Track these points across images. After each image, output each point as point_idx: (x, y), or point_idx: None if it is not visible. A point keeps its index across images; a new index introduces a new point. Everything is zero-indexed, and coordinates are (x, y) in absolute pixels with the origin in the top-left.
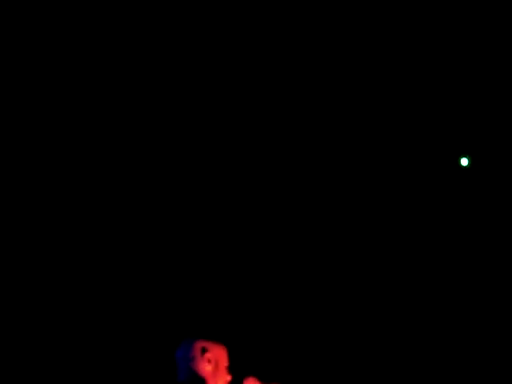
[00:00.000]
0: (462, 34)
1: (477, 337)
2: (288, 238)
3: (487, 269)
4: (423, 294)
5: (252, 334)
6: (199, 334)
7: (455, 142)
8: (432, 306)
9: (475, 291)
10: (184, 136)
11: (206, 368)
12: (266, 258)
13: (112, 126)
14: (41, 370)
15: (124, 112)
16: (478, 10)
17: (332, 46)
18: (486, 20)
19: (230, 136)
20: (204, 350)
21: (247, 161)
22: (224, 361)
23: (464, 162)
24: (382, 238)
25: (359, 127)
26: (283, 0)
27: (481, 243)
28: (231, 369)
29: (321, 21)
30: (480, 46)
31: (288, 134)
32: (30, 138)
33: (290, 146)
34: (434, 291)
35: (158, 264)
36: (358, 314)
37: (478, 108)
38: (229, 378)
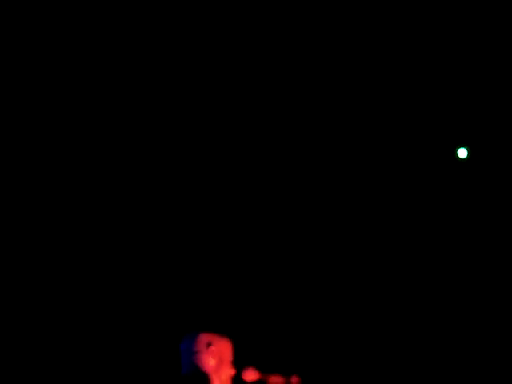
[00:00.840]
0: (456, 25)
1: (476, 334)
2: (290, 232)
3: (486, 263)
4: (421, 289)
5: (256, 326)
6: (204, 326)
7: (452, 134)
8: (431, 302)
9: (474, 285)
10: (184, 136)
11: (209, 362)
12: (268, 252)
13: (112, 126)
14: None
15: (124, 112)
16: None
17: (323, 38)
18: (477, 11)
19: (230, 136)
20: (208, 344)
21: (247, 161)
22: (228, 355)
23: (462, 153)
24: (379, 233)
25: (355, 121)
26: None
27: (479, 238)
28: (236, 361)
29: (321, 21)
30: (474, 38)
31: (286, 133)
32: (30, 138)
33: (289, 145)
34: (433, 285)
35: (163, 258)
36: (357, 307)
37: (476, 99)
38: (233, 372)
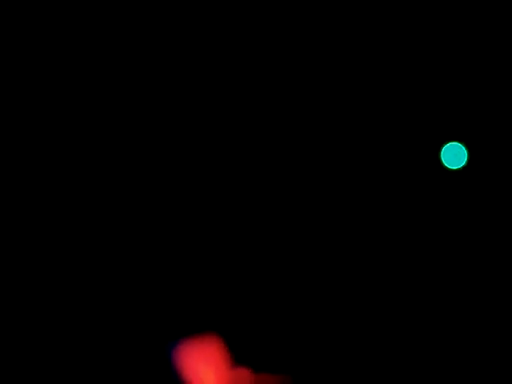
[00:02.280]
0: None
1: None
2: (276, 234)
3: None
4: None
5: (247, 324)
6: (190, 328)
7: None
8: (430, 303)
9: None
10: (184, 136)
11: (193, 375)
12: (257, 253)
13: (112, 126)
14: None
15: (124, 112)
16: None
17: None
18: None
19: (229, 136)
20: (192, 357)
21: (247, 161)
22: (219, 358)
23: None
24: (379, 234)
25: (355, 121)
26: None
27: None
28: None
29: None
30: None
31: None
32: (30, 138)
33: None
34: (432, 286)
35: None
36: (351, 309)
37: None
38: (227, 375)
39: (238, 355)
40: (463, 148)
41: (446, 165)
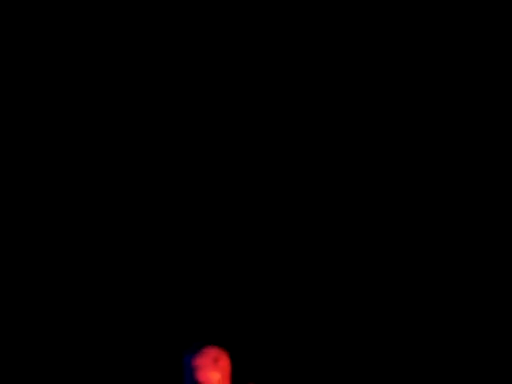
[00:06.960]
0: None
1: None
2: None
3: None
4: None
5: (253, 338)
6: (206, 338)
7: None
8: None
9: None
10: (184, 136)
11: (215, 378)
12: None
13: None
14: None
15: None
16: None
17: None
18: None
19: (229, 136)
20: (216, 360)
21: (247, 161)
22: (229, 371)
23: None
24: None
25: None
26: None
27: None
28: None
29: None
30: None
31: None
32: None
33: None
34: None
35: (162, 263)
36: (358, 317)
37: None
38: None
39: (244, 370)
40: None
41: None
